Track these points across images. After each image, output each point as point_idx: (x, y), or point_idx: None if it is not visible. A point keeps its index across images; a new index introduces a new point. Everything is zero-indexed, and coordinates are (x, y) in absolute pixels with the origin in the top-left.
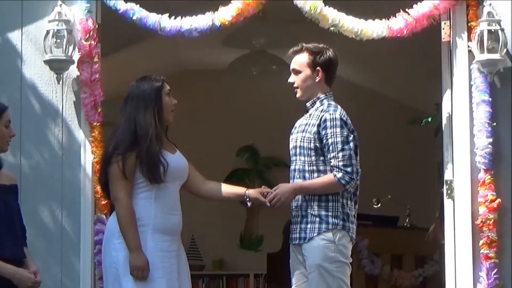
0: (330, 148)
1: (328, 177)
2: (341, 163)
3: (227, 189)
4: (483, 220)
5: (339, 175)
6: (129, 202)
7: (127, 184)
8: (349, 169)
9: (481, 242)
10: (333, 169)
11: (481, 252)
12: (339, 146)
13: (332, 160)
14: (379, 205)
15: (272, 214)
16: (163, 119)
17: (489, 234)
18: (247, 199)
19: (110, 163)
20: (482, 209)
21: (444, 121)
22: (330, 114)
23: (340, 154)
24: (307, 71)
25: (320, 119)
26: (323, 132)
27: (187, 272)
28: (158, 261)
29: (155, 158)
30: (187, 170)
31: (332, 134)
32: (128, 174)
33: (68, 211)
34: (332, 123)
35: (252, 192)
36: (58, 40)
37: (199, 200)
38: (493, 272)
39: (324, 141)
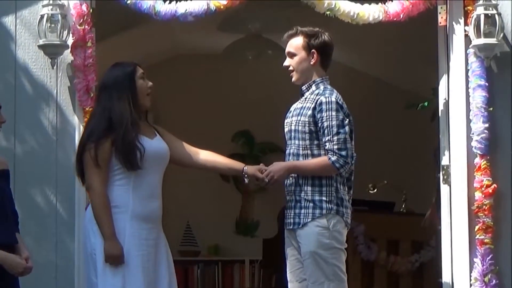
0: (325, 131)
1: (322, 159)
2: (336, 147)
3: (225, 162)
4: (479, 205)
5: (334, 158)
6: (102, 190)
7: (100, 172)
8: (343, 153)
9: (476, 227)
10: (328, 152)
11: (476, 237)
12: (335, 129)
13: (327, 144)
14: (375, 190)
15: (268, 199)
16: (138, 104)
17: (485, 219)
18: (245, 175)
19: (84, 150)
20: (478, 195)
21: (440, 106)
22: (325, 98)
23: (335, 138)
24: (302, 54)
25: (316, 103)
26: (319, 116)
27: (168, 261)
28: (135, 249)
29: (130, 144)
30: (167, 154)
31: (328, 117)
32: (101, 162)
33: (62, 195)
34: (327, 106)
35: (250, 168)
36: (52, 25)
37: (194, 186)
38: (488, 258)
39: (320, 124)
